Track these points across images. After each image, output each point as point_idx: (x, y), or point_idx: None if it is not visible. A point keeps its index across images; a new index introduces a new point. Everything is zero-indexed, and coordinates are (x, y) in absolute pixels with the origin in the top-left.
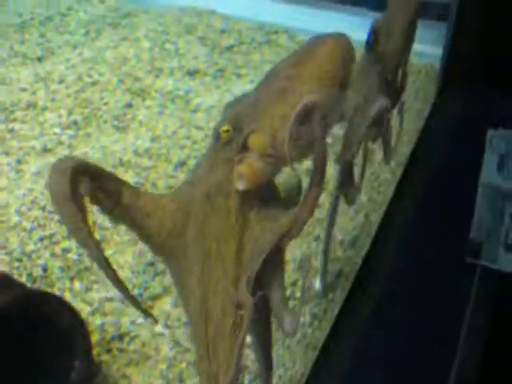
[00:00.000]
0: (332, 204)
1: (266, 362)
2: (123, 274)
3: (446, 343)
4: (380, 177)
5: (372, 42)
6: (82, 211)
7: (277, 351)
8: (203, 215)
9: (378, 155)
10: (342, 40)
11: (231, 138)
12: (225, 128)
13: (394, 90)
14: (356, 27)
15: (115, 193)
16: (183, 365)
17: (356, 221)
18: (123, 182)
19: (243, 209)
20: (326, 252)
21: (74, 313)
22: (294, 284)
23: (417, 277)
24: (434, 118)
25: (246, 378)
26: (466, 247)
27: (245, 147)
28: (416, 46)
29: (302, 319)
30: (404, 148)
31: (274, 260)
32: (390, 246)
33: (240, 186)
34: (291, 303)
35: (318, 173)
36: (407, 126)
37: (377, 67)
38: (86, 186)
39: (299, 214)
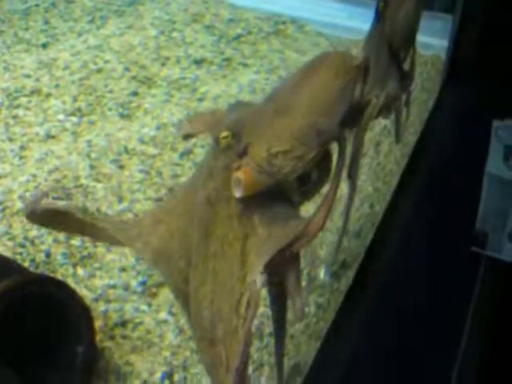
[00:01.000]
0: (349, 195)
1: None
2: (127, 261)
3: (451, 332)
4: (386, 167)
5: (381, 8)
6: None
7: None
8: (206, 219)
9: (384, 146)
10: (338, 59)
11: (230, 144)
12: (224, 134)
13: (402, 70)
14: (363, 17)
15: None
16: (188, 352)
17: (361, 211)
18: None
19: (245, 213)
20: (338, 243)
21: (77, 298)
22: None
23: (421, 266)
24: (439, 108)
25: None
26: (471, 237)
27: (244, 153)
28: (422, 38)
29: (306, 309)
30: (409, 138)
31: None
32: (394, 236)
33: (237, 193)
34: None
35: (334, 182)
36: (412, 116)
37: (386, 42)
38: None
39: (314, 221)
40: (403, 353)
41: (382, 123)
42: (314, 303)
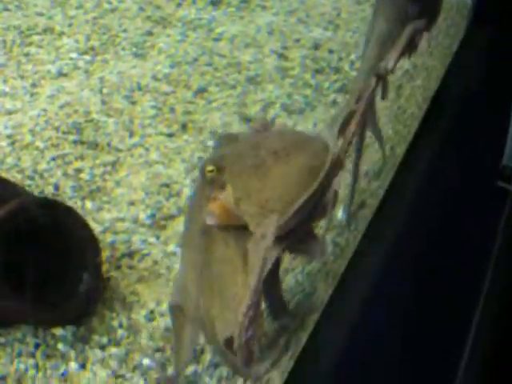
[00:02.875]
0: (359, 136)
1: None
2: (136, 195)
3: (476, 268)
4: (407, 111)
5: None
6: None
7: (295, 277)
8: (203, 247)
9: (406, 90)
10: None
11: (214, 177)
12: (209, 168)
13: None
14: None
15: None
16: None
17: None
18: None
19: (241, 237)
20: (353, 184)
21: (85, 225)
22: None
23: (445, 202)
24: (463, 53)
25: None
26: (497, 173)
27: (224, 185)
28: None
29: None
30: (432, 83)
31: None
32: (415, 177)
33: (208, 221)
34: None
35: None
36: (436, 61)
37: None
38: None
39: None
40: (421, 293)
41: (404, 67)
42: (332, 242)
